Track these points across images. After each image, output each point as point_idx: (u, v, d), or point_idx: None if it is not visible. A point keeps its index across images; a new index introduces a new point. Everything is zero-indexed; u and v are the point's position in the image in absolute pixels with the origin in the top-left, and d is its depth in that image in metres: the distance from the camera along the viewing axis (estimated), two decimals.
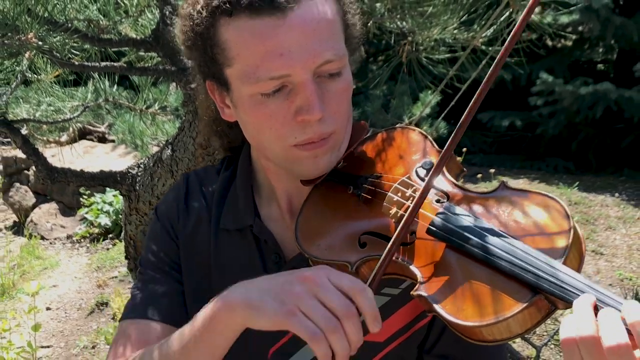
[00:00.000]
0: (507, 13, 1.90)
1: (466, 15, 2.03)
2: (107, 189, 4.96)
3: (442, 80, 1.99)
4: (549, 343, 3.19)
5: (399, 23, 2.06)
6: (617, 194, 5.76)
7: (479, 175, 5.47)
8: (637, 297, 2.02)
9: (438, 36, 2.06)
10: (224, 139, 1.08)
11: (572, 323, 0.66)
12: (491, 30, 2.03)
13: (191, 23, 0.88)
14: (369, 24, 1.95)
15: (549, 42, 7.36)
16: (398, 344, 0.95)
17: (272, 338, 0.97)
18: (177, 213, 1.07)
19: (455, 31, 2.06)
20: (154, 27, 1.79)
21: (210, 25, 0.86)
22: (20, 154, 2.20)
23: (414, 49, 2.08)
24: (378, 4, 1.99)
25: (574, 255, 0.76)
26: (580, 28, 6.77)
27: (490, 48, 2.02)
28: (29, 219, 5.55)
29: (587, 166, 6.92)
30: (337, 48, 0.87)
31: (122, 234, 2.22)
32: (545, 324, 3.29)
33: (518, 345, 3.28)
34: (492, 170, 5.73)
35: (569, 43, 7.39)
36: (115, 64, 1.98)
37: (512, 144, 7.28)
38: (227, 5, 0.84)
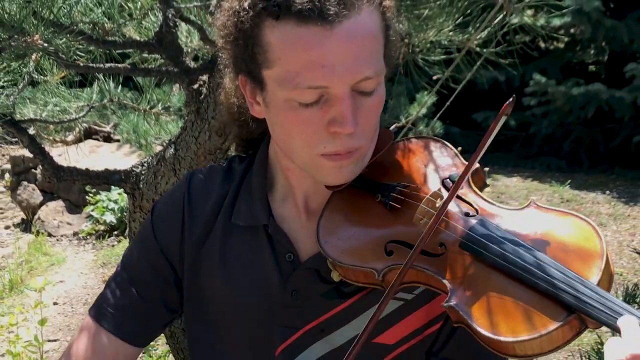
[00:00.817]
0: (501, 16, 1.94)
1: (461, 17, 2.05)
2: (112, 187, 4.95)
3: (437, 81, 2.03)
4: None
5: (395, 25, 2.10)
6: (608, 192, 5.85)
7: None
8: (627, 292, 2.08)
9: (434, 38, 2.09)
10: (243, 129, 1.05)
11: (622, 343, 0.67)
12: (485, 32, 2.07)
13: (235, 19, 0.86)
14: None
15: (542, 44, 7.44)
16: (407, 347, 0.95)
17: (281, 337, 0.98)
18: (182, 220, 1.04)
19: (451, 33, 2.09)
20: (157, 29, 1.80)
21: (255, 25, 0.84)
22: (28, 153, 2.21)
23: (410, 50, 2.12)
24: None
25: (605, 276, 0.76)
26: (572, 30, 6.85)
27: (484, 50, 2.06)
28: (36, 217, 5.54)
29: (579, 165, 7.00)
30: (376, 65, 0.86)
31: (127, 231, 2.25)
32: None
33: None
34: (487, 169, 5.78)
35: (561, 45, 7.47)
36: (120, 65, 1.97)
37: (506, 143, 7.34)
38: (276, 9, 0.81)
